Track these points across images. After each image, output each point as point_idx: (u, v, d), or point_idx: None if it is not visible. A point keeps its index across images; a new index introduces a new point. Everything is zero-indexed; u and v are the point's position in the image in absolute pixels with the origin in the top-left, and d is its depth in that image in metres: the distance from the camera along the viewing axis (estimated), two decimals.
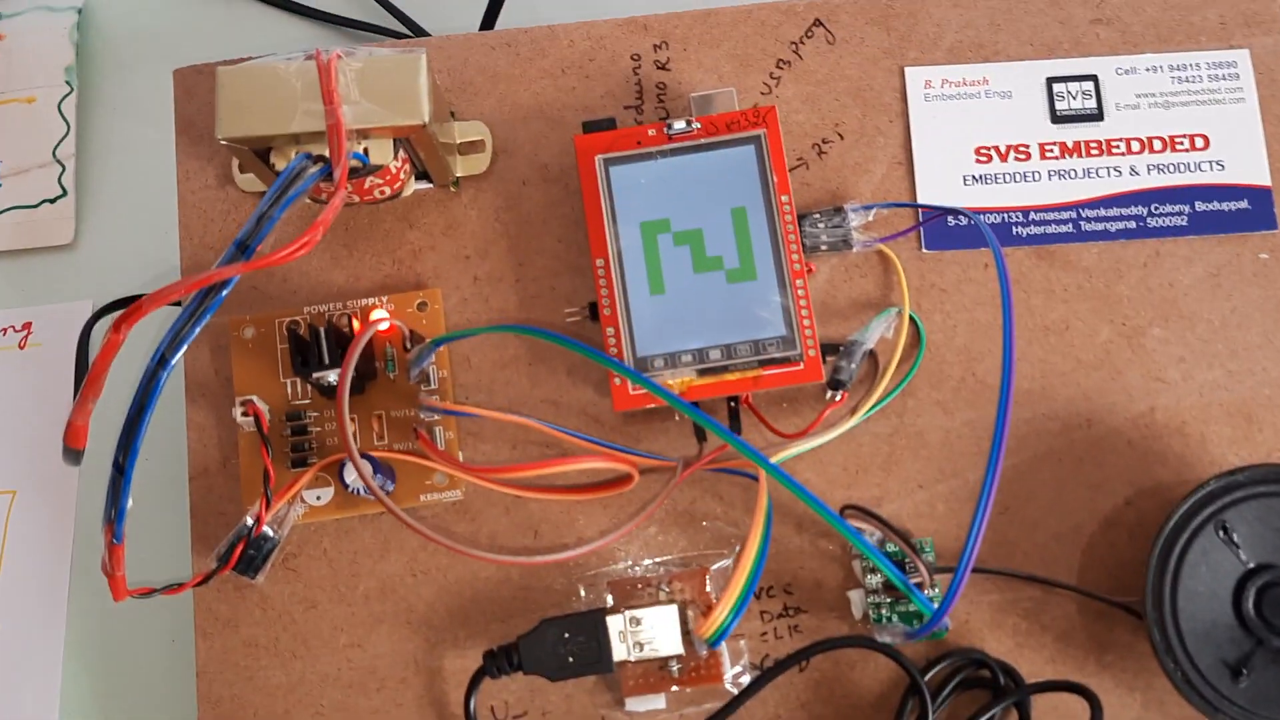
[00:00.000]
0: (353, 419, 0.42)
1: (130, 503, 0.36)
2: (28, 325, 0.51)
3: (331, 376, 0.40)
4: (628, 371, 0.39)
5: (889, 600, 0.41)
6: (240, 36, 0.57)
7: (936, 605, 0.38)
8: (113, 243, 0.53)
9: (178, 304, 0.35)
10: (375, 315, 0.42)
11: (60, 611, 0.45)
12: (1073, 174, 0.44)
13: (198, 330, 0.35)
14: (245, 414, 0.41)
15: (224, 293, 0.35)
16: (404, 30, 0.56)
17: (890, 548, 0.40)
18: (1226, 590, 0.39)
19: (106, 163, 0.54)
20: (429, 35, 0.56)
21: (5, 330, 0.50)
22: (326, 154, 0.38)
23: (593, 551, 0.41)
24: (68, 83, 0.54)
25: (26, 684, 0.44)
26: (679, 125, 0.42)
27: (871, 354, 0.43)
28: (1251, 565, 0.39)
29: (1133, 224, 0.44)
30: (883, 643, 0.39)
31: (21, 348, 0.50)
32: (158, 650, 0.44)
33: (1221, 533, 0.39)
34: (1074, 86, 0.45)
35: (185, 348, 0.35)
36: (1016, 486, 0.42)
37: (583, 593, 0.42)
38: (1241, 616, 0.39)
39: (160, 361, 0.34)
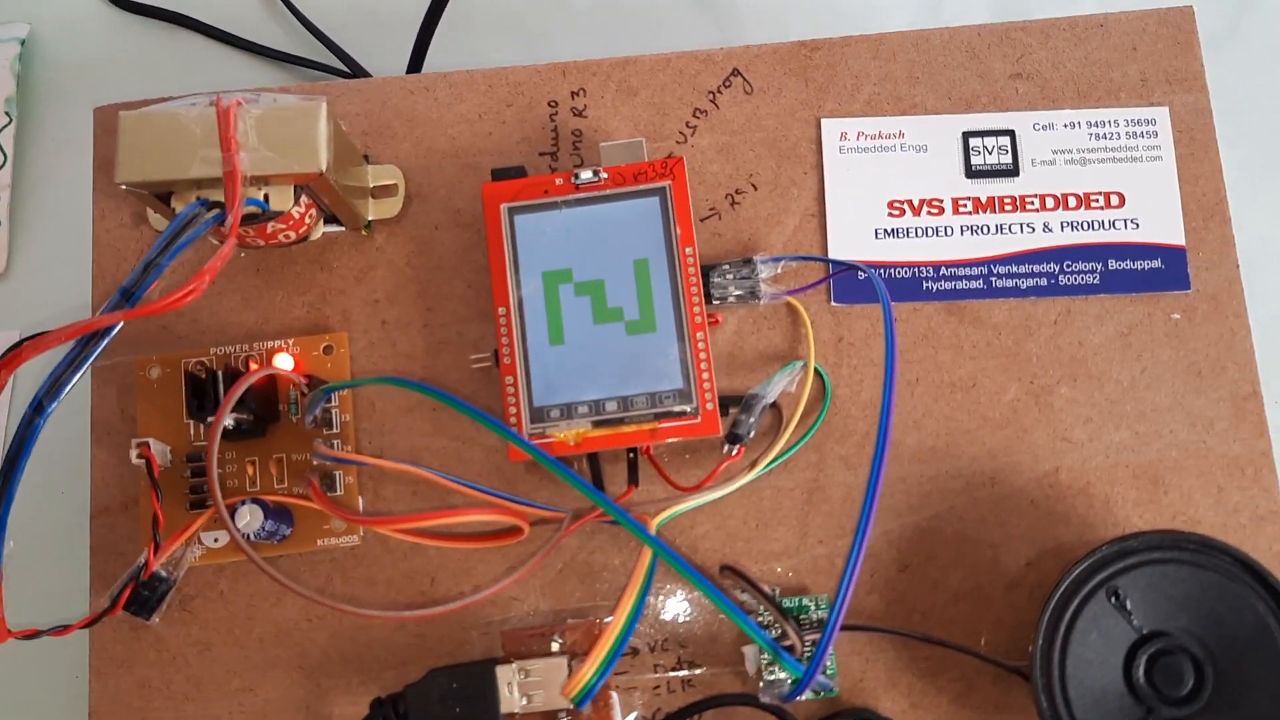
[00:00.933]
0: (253, 462, 0.42)
1: (10, 546, 0.36)
2: None
3: (226, 420, 0.40)
4: (503, 431, 0.39)
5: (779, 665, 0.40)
6: (184, 72, 0.57)
7: (829, 682, 0.38)
8: (44, 273, 0.53)
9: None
10: (278, 359, 0.43)
11: None
12: (986, 229, 0.44)
13: (76, 377, 0.35)
14: (139, 456, 0.41)
15: (104, 341, 0.35)
16: (344, 69, 0.56)
17: (788, 602, 0.40)
18: (1117, 658, 0.38)
19: (43, 194, 0.54)
20: (368, 75, 0.57)
21: None
22: (222, 199, 0.38)
23: (475, 603, 0.41)
24: (6, 113, 0.55)
25: None
26: (586, 175, 0.42)
27: (775, 407, 0.43)
28: (1144, 632, 0.38)
29: (1044, 281, 0.44)
30: (769, 702, 0.39)
31: None
32: (61, 686, 0.44)
33: (1114, 599, 0.39)
34: (990, 141, 0.45)
35: (64, 394, 0.35)
36: (917, 544, 0.42)
37: (476, 641, 0.42)
38: (1132, 685, 0.38)
39: (37, 409, 0.35)
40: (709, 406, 0.41)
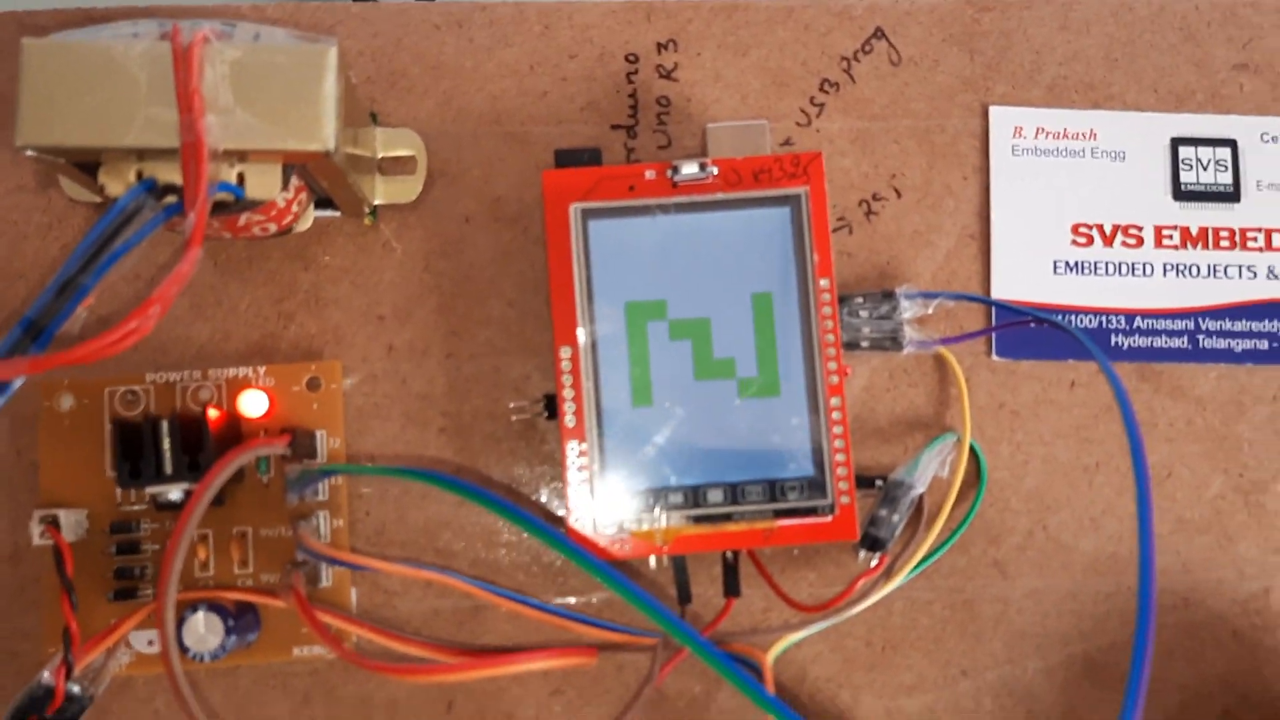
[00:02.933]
0: (204, 538, 0.31)
1: None
2: None
3: (174, 493, 0.29)
4: (580, 557, 0.28)
5: None
6: None
7: None
8: None
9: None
10: (246, 398, 0.30)
11: None
12: (1195, 270, 0.34)
13: None
14: (42, 535, 0.29)
15: (2, 398, 0.23)
16: None
17: None
18: None
19: None
20: None
21: None
22: (178, 182, 0.26)
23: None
24: None
25: None
26: (689, 170, 0.30)
27: (919, 498, 0.32)
28: None
29: (1265, 343, 0.34)
30: None
31: None
32: None
33: None
34: (1205, 153, 0.34)
35: None
36: (1088, 682, 0.32)
37: None
38: None
39: None
40: (845, 501, 0.30)
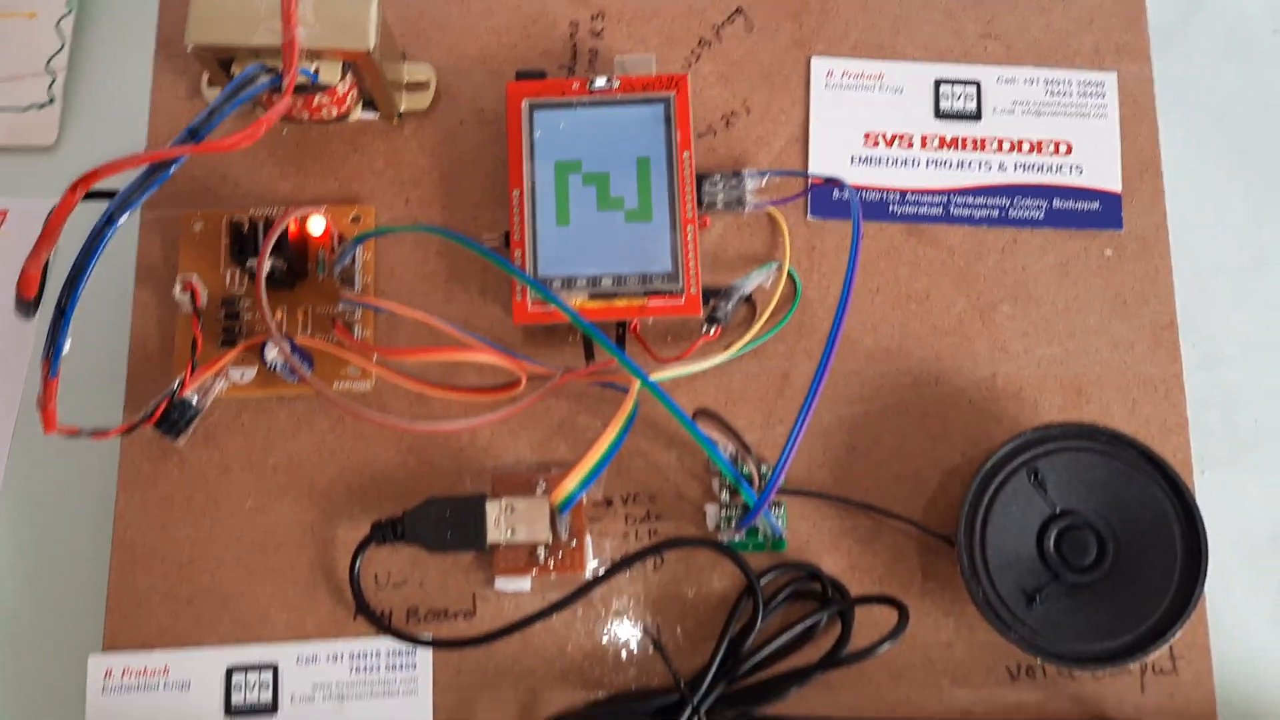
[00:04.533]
0: (282, 309, 0.47)
1: (68, 346, 0.41)
2: (3, 214, 0.55)
3: (268, 265, 0.45)
4: (529, 281, 0.44)
5: (739, 514, 0.46)
6: None
7: (774, 517, 0.43)
8: (91, 149, 0.57)
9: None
10: (312, 221, 0.47)
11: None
12: (948, 164, 0.50)
13: (144, 198, 0.40)
14: (183, 290, 0.46)
15: (171, 169, 0.40)
16: None
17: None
18: (1032, 529, 0.44)
19: (94, 78, 0.59)
20: None
21: None
22: (280, 67, 0.44)
23: (472, 427, 0.46)
24: (68, 5, 0.59)
25: None
26: (600, 82, 0.47)
27: (751, 302, 0.48)
28: (1057, 509, 0.44)
29: (996, 213, 0.49)
30: (723, 543, 0.44)
31: None
32: (83, 511, 0.48)
33: (1033, 477, 0.44)
34: (958, 89, 0.51)
35: (130, 211, 0.40)
36: (865, 430, 0.47)
37: (469, 482, 0.47)
38: (1042, 553, 0.44)
39: (108, 220, 0.39)
40: (693, 290, 0.46)
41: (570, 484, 0.40)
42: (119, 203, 0.40)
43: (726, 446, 0.45)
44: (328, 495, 0.46)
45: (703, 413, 0.44)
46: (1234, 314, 0.51)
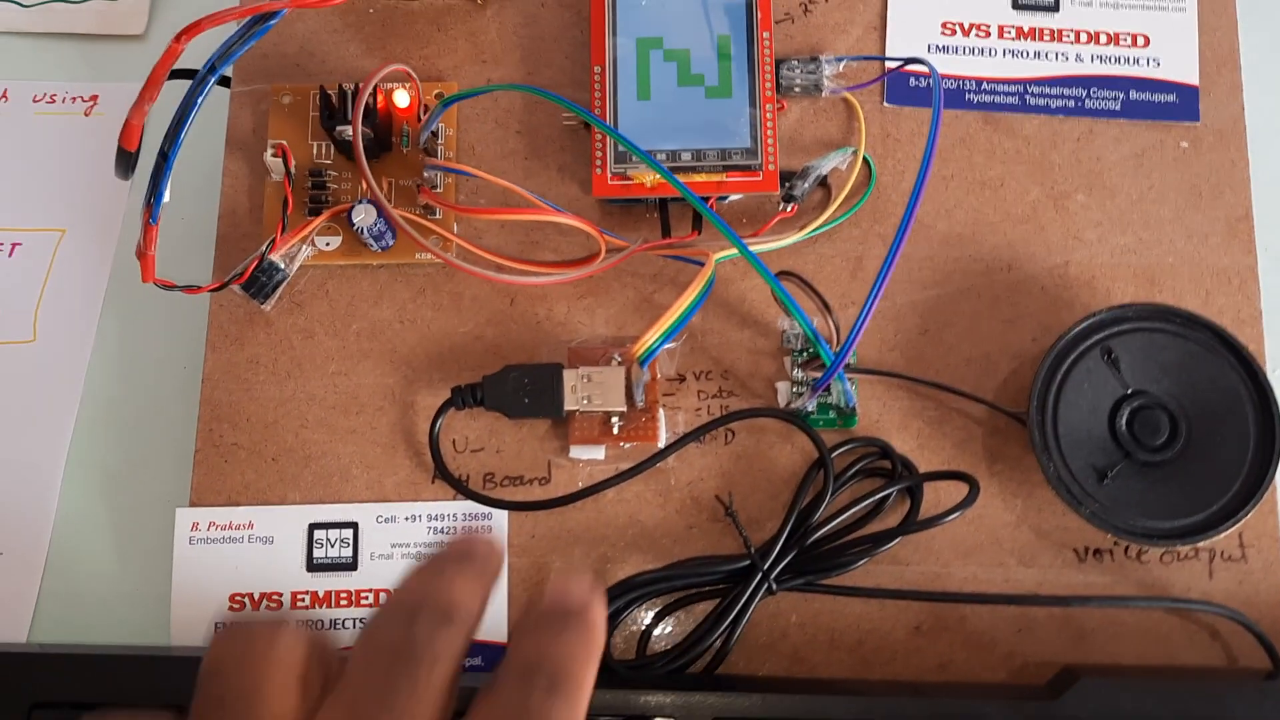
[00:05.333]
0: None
1: (168, 195, 0.42)
2: (94, 97, 0.57)
3: (350, 132, 0.46)
4: (622, 138, 0.45)
5: (812, 388, 0.46)
6: None
7: (848, 384, 0.44)
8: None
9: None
10: (398, 95, 0.48)
11: (90, 329, 0.51)
12: (1025, 54, 0.50)
13: (245, 48, 0.41)
14: (275, 154, 0.47)
15: (273, 21, 0.41)
16: None
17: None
18: (1105, 407, 0.44)
19: None
20: None
21: (75, 99, 0.57)
22: None
23: (557, 283, 0.47)
24: None
25: (53, 388, 0.50)
26: None
27: (826, 186, 0.49)
28: (1129, 389, 0.44)
29: (1072, 103, 0.49)
30: (796, 413, 0.45)
31: (86, 115, 0.56)
32: (171, 372, 0.50)
33: (1106, 357, 0.44)
34: None
35: (233, 61, 0.41)
36: (937, 314, 0.48)
37: (545, 356, 0.48)
38: (1114, 431, 0.44)
39: (210, 69, 0.41)
40: (771, 166, 0.47)
41: (650, 338, 0.41)
42: (221, 51, 0.41)
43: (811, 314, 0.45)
44: (408, 361, 0.48)
45: (786, 274, 0.45)
46: None
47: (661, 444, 0.46)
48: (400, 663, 0.28)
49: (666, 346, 0.47)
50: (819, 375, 0.44)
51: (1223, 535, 0.43)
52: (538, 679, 0.29)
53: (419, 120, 0.48)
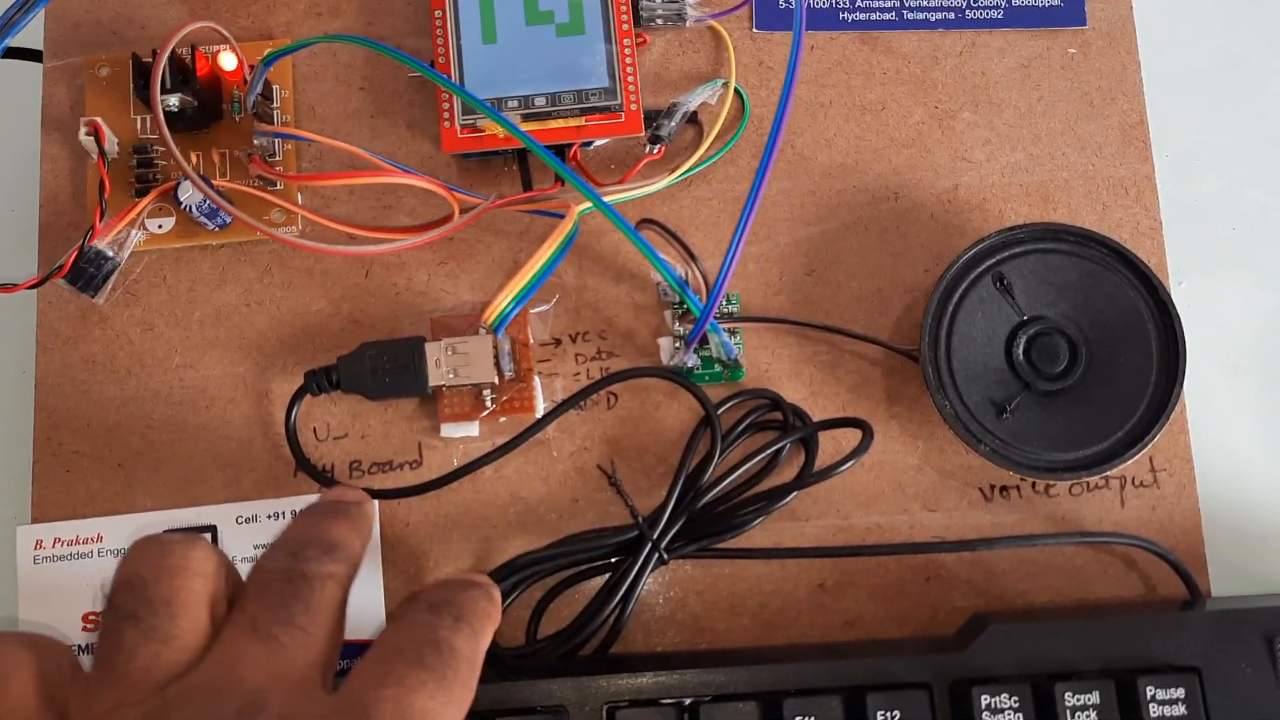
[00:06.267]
0: (197, 154, 0.44)
1: None
2: None
3: (173, 100, 0.42)
4: (462, 92, 0.41)
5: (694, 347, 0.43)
6: None
7: (725, 336, 0.41)
8: None
9: None
10: (224, 57, 0.44)
11: None
12: None
13: (29, 19, 0.37)
14: (88, 132, 0.42)
15: None
16: None
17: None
18: (1000, 338, 0.42)
19: None
20: None
21: None
22: None
23: (406, 248, 0.43)
24: None
25: None
26: None
27: (698, 123, 0.45)
28: (1025, 316, 0.42)
29: (952, 15, 0.46)
30: (676, 370, 0.42)
31: None
32: (6, 379, 0.46)
33: (999, 284, 0.42)
34: None
35: (15, 34, 0.37)
36: (824, 251, 0.45)
37: (407, 329, 0.44)
38: (1012, 362, 0.42)
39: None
40: (633, 106, 0.43)
41: (500, 302, 0.38)
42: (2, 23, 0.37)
43: (675, 265, 0.42)
44: (259, 347, 0.44)
45: (647, 222, 0.42)
46: (1208, 121, 0.48)
47: (539, 414, 0.43)
48: (292, 584, 0.31)
49: (539, 310, 0.44)
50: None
51: (1131, 461, 0.41)
52: (446, 611, 0.31)
53: (244, 75, 0.44)
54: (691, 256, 0.41)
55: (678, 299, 0.43)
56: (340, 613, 0.32)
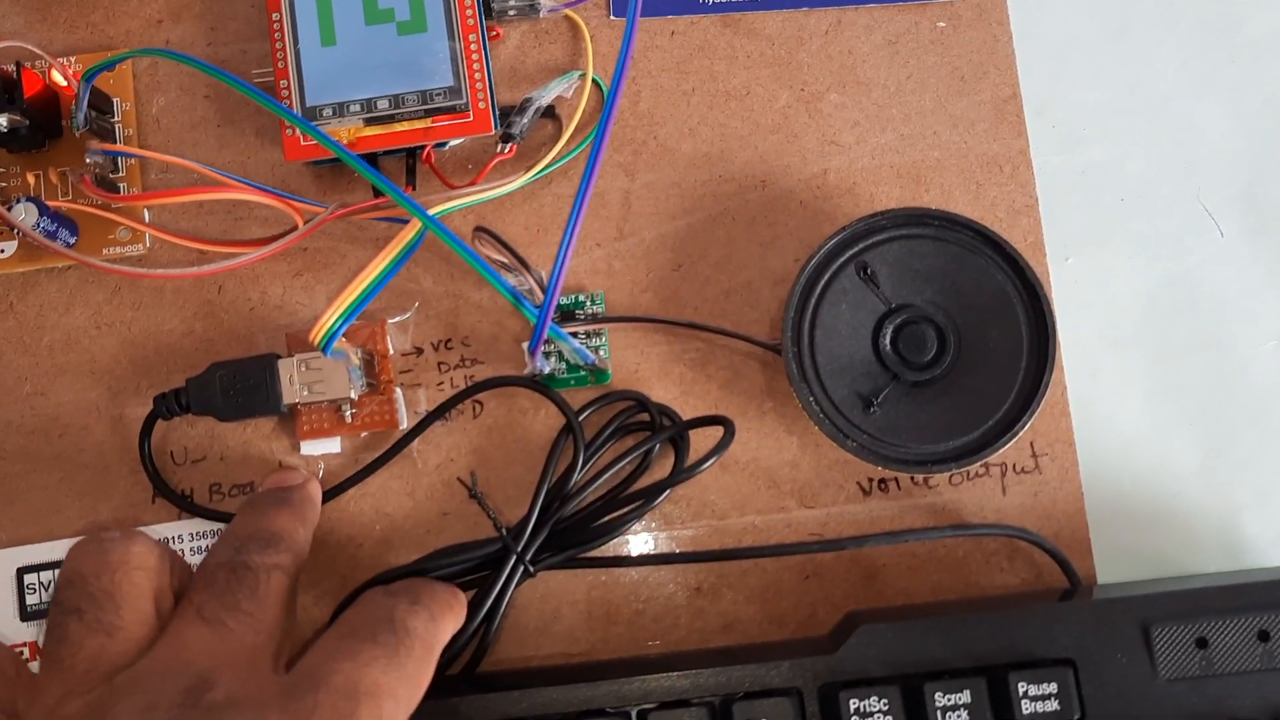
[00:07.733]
0: (35, 174, 0.43)
1: None
2: None
3: (0, 120, 0.41)
4: (289, 115, 0.40)
5: (559, 351, 0.42)
6: None
7: (572, 341, 0.40)
8: None
9: None
10: (55, 74, 0.43)
11: None
12: None
13: None
14: None
15: None
16: None
17: (565, 299, 0.42)
18: (866, 328, 0.41)
19: None
20: None
21: None
22: None
23: (246, 263, 0.41)
24: None
25: None
26: None
27: (556, 117, 0.44)
28: (892, 305, 0.41)
29: None
30: (534, 378, 0.41)
31: None
32: None
33: (863, 273, 0.41)
34: None
35: None
36: (690, 245, 0.44)
37: (264, 344, 0.43)
38: (879, 353, 0.40)
39: None
40: (481, 105, 0.42)
41: (329, 318, 0.36)
42: None
43: (516, 273, 0.41)
44: (111, 371, 0.43)
45: (480, 230, 0.40)
46: (1093, 91, 0.46)
47: (402, 426, 0.42)
48: (238, 575, 0.32)
49: (398, 319, 0.43)
50: None
51: (1005, 449, 0.40)
52: (403, 594, 0.33)
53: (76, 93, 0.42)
54: (523, 264, 0.39)
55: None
56: (288, 600, 0.33)
